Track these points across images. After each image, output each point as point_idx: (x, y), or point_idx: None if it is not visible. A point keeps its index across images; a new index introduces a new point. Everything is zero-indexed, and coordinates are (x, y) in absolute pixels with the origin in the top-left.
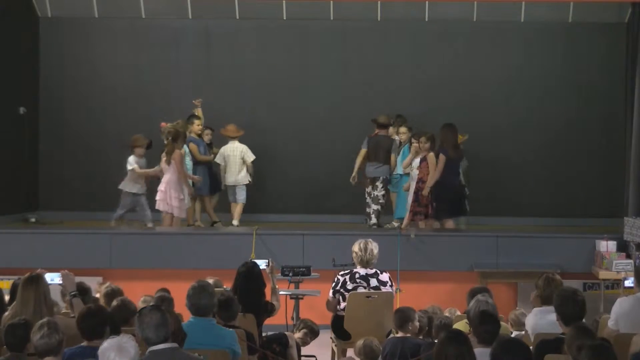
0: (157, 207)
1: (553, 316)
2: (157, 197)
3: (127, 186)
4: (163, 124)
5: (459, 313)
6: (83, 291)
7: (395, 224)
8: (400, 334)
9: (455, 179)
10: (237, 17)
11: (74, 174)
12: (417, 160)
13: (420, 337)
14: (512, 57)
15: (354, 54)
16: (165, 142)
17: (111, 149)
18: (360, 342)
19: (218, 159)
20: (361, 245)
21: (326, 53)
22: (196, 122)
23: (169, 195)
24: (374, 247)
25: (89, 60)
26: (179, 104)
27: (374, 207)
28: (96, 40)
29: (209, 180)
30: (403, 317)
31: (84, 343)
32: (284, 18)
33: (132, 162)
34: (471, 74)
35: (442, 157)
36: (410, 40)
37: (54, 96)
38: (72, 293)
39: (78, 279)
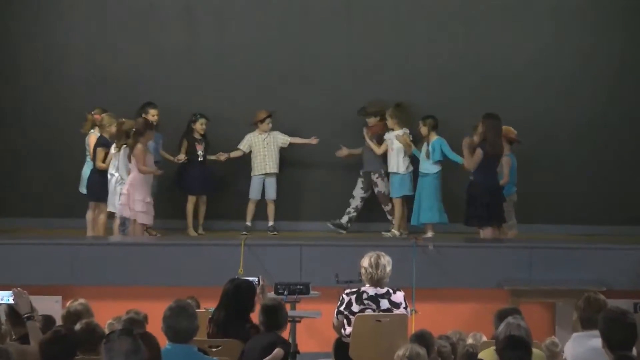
0: (119, 213)
1: (596, 342)
2: (120, 202)
3: None
4: (97, 116)
5: (485, 339)
6: None
7: (397, 233)
8: None
9: (493, 179)
10: None
11: (31, 174)
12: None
13: None
14: (541, 39)
15: (360, 34)
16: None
17: (76, 144)
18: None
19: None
20: (372, 260)
21: (328, 33)
22: (151, 111)
23: (132, 198)
24: (386, 262)
25: (47, 40)
26: (155, 90)
27: None
28: (57, 15)
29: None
30: (425, 343)
31: None
32: None
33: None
34: (493, 57)
35: (479, 151)
36: (425, 19)
37: (6, 82)
38: (27, 315)
39: (33, 298)
